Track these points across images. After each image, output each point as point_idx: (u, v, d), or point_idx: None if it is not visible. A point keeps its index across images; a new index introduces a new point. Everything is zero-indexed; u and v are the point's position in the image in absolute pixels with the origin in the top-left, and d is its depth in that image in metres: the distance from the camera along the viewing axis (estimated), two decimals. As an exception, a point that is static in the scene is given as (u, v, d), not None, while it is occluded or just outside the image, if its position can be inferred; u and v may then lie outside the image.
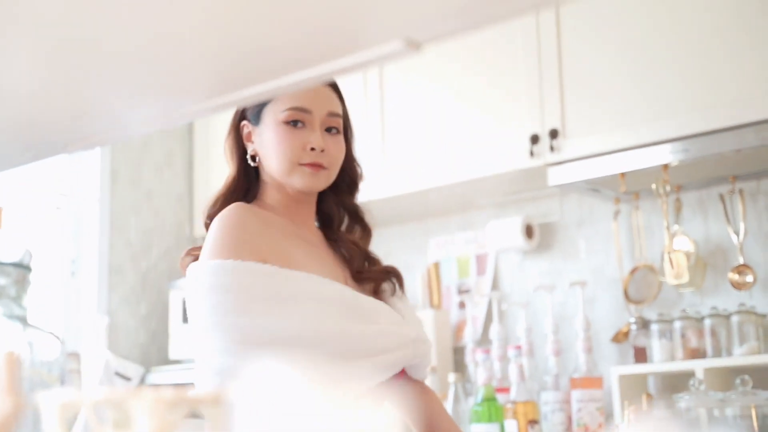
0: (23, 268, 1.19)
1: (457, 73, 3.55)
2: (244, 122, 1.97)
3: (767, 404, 2.72)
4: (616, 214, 3.49)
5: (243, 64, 1.11)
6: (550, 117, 3.30)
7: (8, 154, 1.21)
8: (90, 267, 4.18)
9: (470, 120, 3.52)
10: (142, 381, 4.16)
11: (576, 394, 3.31)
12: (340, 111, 1.96)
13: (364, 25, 0.95)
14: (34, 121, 1.24)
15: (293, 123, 1.89)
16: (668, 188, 3.21)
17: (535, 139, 3.31)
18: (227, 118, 4.45)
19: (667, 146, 3.04)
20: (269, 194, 1.95)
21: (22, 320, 1.17)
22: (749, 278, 3.20)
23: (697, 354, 3.19)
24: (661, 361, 3.25)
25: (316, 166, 1.89)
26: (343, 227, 2.03)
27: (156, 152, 4.49)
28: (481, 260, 3.94)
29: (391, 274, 1.99)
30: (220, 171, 4.42)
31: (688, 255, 3.28)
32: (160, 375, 4.14)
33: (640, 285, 3.44)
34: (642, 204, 3.47)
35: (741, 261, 3.21)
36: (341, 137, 1.95)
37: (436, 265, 4.03)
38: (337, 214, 2.03)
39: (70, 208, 4.21)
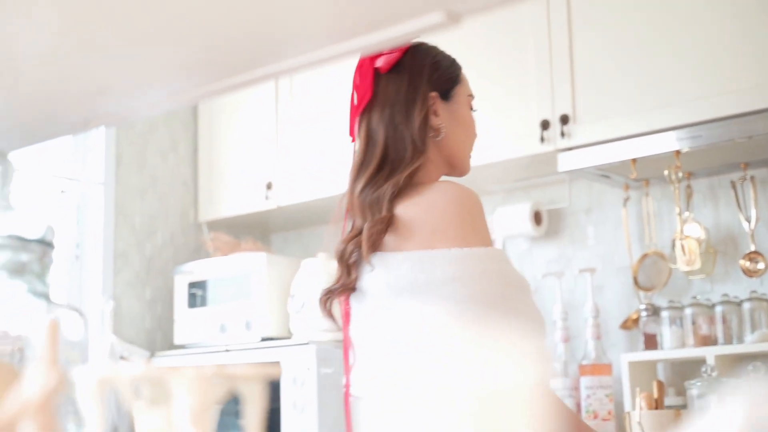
0: (46, 244, 1.17)
1: (467, 58, 3.50)
2: (434, 93, 1.94)
3: (780, 391, 2.70)
4: (626, 200, 3.47)
5: (274, 37, 1.09)
6: (561, 102, 3.27)
7: (30, 129, 1.19)
8: (94, 251, 4.16)
9: (480, 105, 3.49)
10: (147, 366, 4.14)
11: (585, 381, 3.30)
12: None
13: (403, -5, 0.92)
14: (57, 96, 1.22)
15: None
16: (680, 175, 3.18)
17: (545, 125, 3.29)
18: (232, 102, 4.42)
19: (679, 132, 3.02)
20: (428, 171, 1.91)
21: (46, 297, 1.15)
22: (761, 265, 3.18)
23: (708, 341, 3.17)
24: (671, 348, 3.24)
25: None
26: None
27: (161, 137, 4.46)
28: (488, 246, 3.92)
29: None
30: (223, 156, 4.42)
31: (699, 242, 3.26)
32: (165, 360, 4.13)
33: (650, 272, 3.42)
34: (651, 191, 3.45)
35: (752, 248, 3.19)
36: None
37: (443, 252, 4.01)
38: None
39: (75, 191, 4.18)
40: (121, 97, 1.25)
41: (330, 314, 1.92)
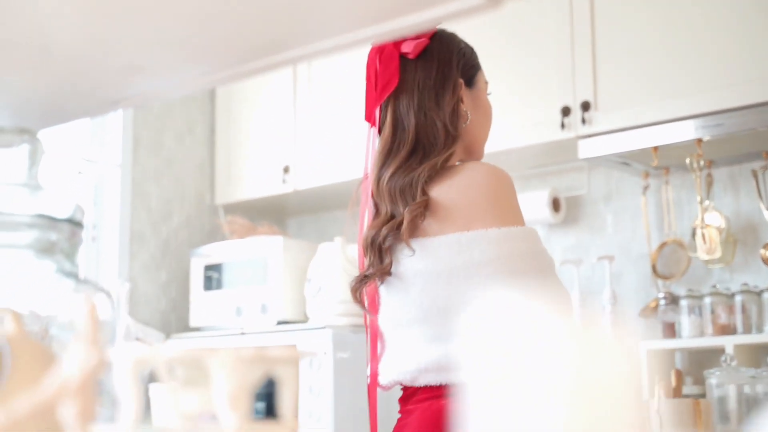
0: (75, 224, 1.17)
1: (488, 43, 3.49)
2: (461, 80, 1.96)
3: (800, 382, 2.69)
4: (645, 188, 3.45)
5: (304, 19, 1.08)
6: (582, 89, 3.25)
7: (60, 108, 1.18)
8: (111, 233, 4.16)
9: (500, 91, 3.47)
10: (163, 348, 4.14)
11: (602, 369, 3.28)
12: None
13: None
14: (88, 75, 1.21)
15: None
16: (701, 163, 3.16)
17: (566, 111, 3.27)
18: (250, 85, 4.40)
19: (702, 120, 2.99)
20: (454, 157, 1.93)
21: (75, 277, 1.14)
22: (781, 255, 3.16)
23: (727, 330, 3.16)
24: (690, 337, 3.22)
25: None
26: None
27: (178, 119, 4.46)
28: (505, 233, 3.90)
29: None
30: (241, 139, 4.41)
31: (719, 230, 3.24)
32: (180, 342, 4.13)
33: (669, 260, 3.40)
34: (671, 179, 3.43)
35: (773, 238, 3.17)
36: None
37: (460, 237, 4.00)
38: None
39: (92, 173, 4.18)
40: (152, 78, 1.24)
41: (361, 301, 1.92)
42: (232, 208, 4.45)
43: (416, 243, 1.78)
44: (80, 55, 1.18)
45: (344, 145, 3.94)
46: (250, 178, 4.35)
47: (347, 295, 3.62)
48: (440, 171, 1.84)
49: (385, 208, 1.84)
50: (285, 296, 3.87)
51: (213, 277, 4.15)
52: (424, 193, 1.80)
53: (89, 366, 0.63)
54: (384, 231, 1.82)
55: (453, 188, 1.80)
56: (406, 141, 1.87)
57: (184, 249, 4.38)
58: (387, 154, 1.88)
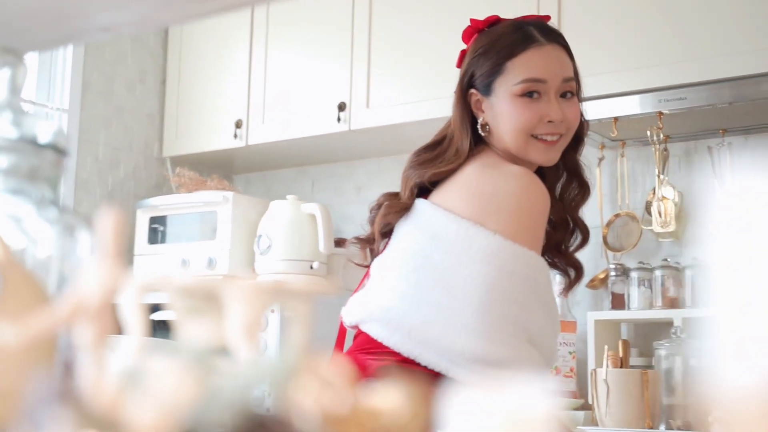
0: (58, 150, 1.12)
1: (454, 2, 3.47)
2: (473, 90, 1.87)
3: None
4: (601, 160, 3.46)
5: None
6: (545, 56, 3.24)
7: (50, 30, 1.12)
8: (55, 179, 4.06)
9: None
10: (104, 299, 4.07)
11: (549, 337, 3.30)
12: (572, 73, 1.89)
13: None
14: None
15: (528, 95, 1.81)
16: (661, 136, 3.18)
17: (528, 78, 3.25)
18: (203, 34, 4.30)
19: (664, 93, 3.00)
20: (497, 156, 1.88)
21: (56, 206, 1.09)
22: (732, 232, 3.19)
23: (676, 303, 3.19)
24: (638, 309, 3.25)
25: (552, 141, 1.83)
26: (560, 184, 1.98)
27: (129, 67, 4.36)
28: (457, 198, 3.89)
29: (576, 272, 1.97)
30: (192, 92, 4.32)
31: (674, 204, 3.27)
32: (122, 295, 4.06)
33: (620, 233, 3.42)
34: (627, 151, 3.44)
35: (724, 214, 3.20)
36: (575, 99, 1.89)
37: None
38: (554, 171, 1.95)
39: (40, 116, 4.07)
40: (145, 5, 1.19)
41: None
42: (179, 161, 4.37)
43: (428, 207, 1.80)
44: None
45: (298, 101, 3.88)
46: (200, 132, 4.27)
47: (298, 253, 3.58)
48: (492, 160, 1.83)
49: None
50: (233, 251, 3.82)
51: (158, 229, 4.08)
52: (411, 198, 1.84)
53: (111, 286, 0.59)
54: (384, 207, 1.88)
55: (491, 182, 1.79)
56: (434, 138, 1.91)
57: (129, 200, 4.30)
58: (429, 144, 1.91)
